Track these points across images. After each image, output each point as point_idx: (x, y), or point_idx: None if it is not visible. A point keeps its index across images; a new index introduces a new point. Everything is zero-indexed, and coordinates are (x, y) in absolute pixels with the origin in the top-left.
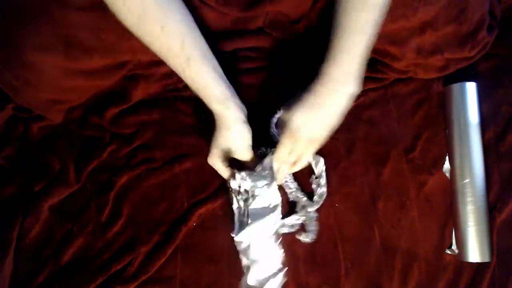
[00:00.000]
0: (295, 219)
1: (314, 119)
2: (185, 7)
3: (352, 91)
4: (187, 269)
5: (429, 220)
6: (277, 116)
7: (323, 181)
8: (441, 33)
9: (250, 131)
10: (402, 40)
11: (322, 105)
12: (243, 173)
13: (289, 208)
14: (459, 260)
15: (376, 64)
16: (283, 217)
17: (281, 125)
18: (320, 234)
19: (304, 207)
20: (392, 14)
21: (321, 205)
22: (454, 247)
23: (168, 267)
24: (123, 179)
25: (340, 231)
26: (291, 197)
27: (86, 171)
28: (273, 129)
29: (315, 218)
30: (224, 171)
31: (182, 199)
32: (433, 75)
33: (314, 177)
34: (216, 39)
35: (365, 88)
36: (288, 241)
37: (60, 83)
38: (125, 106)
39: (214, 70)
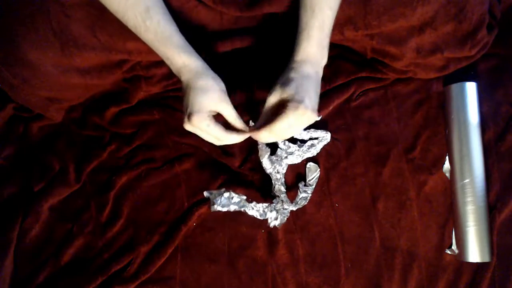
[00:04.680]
0: (272, 206)
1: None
2: None
3: (325, 62)
4: (187, 269)
5: (429, 220)
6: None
7: (310, 190)
8: (440, 32)
9: (219, 78)
10: (401, 39)
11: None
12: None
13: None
14: (459, 260)
15: (376, 64)
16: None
17: (281, 104)
18: (320, 234)
19: (282, 202)
20: (391, 13)
21: (321, 205)
22: (454, 247)
23: (168, 267)
24: (123, 179)
25: (340, 231)
26: (275, 189)
27: (86, 171)
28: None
29: (288, 214)
30: (216, 129)
31: (182, 199)
32: (433, 75)
33: (303, 183)
34: (214, 38)
35: (365, 88)
36: (288, 241)
37: (57, 80)
38: (125, 106)
39: (173, 22)
